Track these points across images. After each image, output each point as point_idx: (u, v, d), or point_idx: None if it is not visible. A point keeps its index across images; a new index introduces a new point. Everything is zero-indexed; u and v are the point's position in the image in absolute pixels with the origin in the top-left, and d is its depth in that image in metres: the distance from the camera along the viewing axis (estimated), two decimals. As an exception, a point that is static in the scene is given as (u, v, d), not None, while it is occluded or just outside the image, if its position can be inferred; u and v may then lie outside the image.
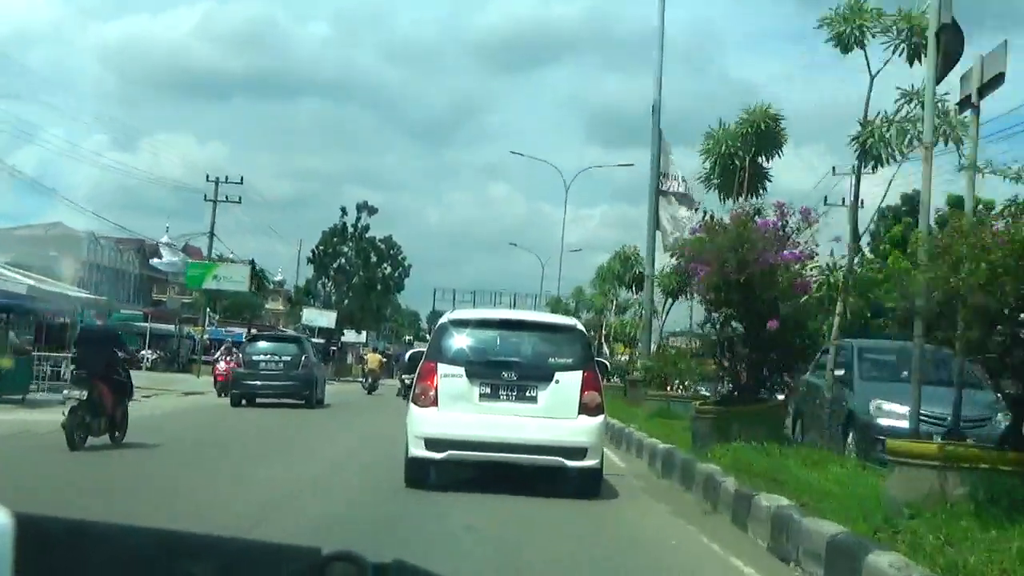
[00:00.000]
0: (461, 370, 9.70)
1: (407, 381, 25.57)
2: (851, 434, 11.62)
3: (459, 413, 9.55)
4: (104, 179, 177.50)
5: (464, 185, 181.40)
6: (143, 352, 45.32)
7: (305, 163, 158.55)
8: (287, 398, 23.85)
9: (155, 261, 74.09)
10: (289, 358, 24.24)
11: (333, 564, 0.96)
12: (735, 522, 8.19)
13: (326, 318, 60.57)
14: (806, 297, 11.34)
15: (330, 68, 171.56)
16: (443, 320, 10.64)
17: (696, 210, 15.54)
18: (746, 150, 14.05)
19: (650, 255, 22.71)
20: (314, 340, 40.96)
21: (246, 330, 45.49)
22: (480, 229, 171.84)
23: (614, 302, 36.19)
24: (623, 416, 18.73)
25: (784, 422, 12.59)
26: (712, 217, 14.20)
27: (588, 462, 9.55)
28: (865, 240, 32.60)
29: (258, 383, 23.81)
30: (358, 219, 65.20)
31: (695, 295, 14.38)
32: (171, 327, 55.76)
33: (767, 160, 14.47)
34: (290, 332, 41.77)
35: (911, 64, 9.55)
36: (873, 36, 9.75)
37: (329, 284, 65.39)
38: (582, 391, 9.64)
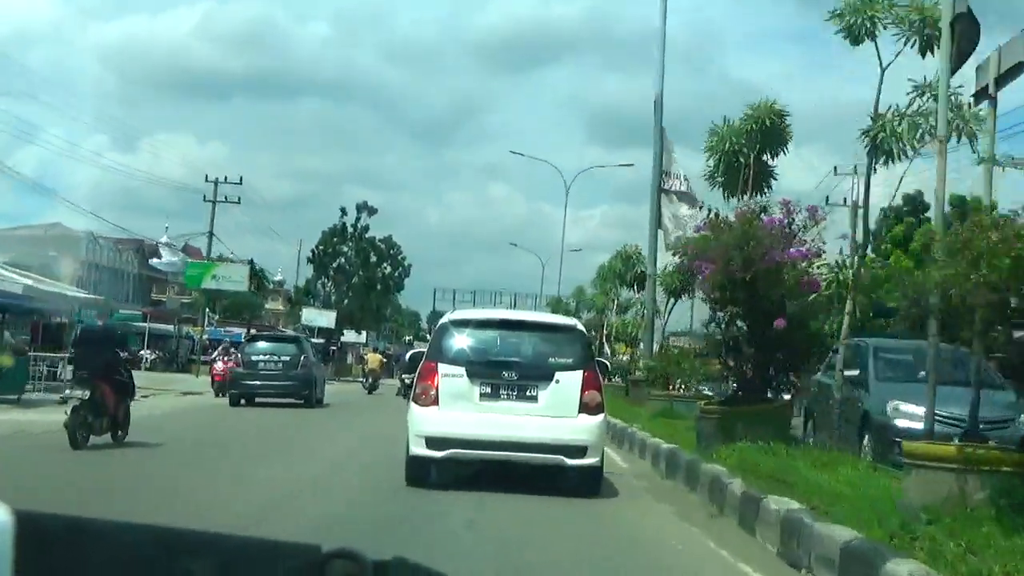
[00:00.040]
0: (462, 370, 9.72)
1: (407, 380, 25.49)
2: (867, 436, 11.33)
3: (460, 412, 9.58)
4: (104, 179, 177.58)
5: (464, 185, 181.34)
6: (142, 352, 45.12)
7: (305, 163, 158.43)
8: (286, 398, 23.78)
9: (154, 261, 73.84)
10: (288, 358, 24.21)
11: (333, 561, 0.96)
12: (742, 525, 7.98)
13: (326, 318, 60.39)
14: (815, 295, 11.13)
15: (330, 68, 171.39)
16: (444, 320, 10.67)
17: (701, 207, 15.30)
18: (751, 147, 13.82)
19: (652, 253, 22.51)
20: (314, 340, 40.82)
21: (245, 330, 45.35)
22: (480, 229, 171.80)
23: (615, 302, 35.97)
24: (626, 416, 18.55)
25: (790, 422, 12.34)
26: (717, 215, 13.98)
27: (588, 461, 9.59)
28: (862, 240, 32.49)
29: (257, 383, 23.76)
30: (358, 219, 64.99)
31: (699, 293, 14.15)
32: (170, 327, 55.54)
33: (772, 157, 14.23)
34: (289, 332, 41.63)
35: (923, 56, 9.33)
36: (884, 27, 9.53)
37: (329, 284, 65.16)
38: (582, 390, 9.67)
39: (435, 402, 9.64)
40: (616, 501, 9.72)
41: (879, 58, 9.71)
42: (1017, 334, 6.45)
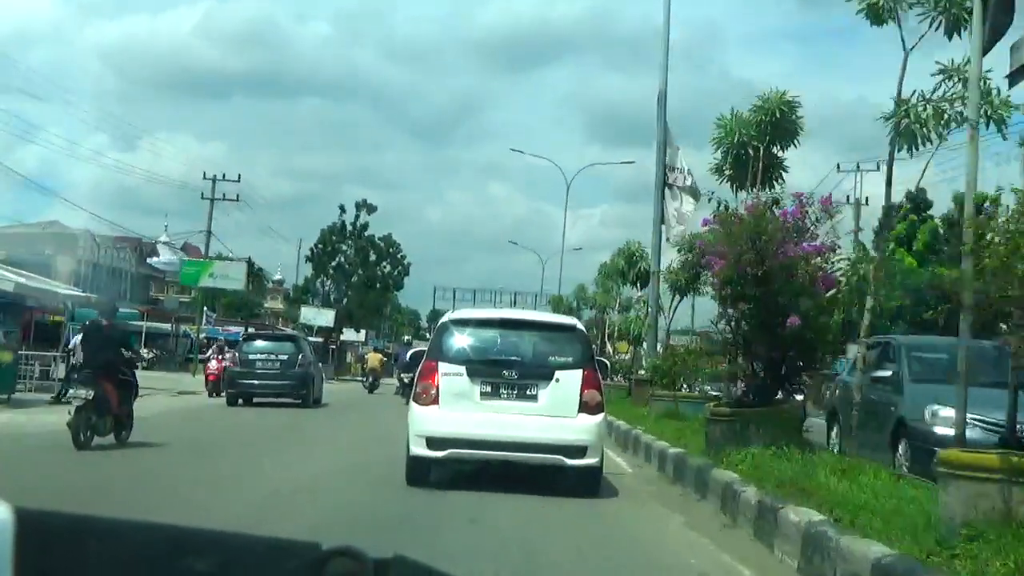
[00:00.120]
0: (462, 369, 9.76)
1: (405, 380, 25.21)
2: (901, 444, 10.65)
3: (460, 412, 9.63)
4: (104, 178, 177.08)
5: (464, 184, 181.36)
6: (141, 351, 44.72)
7: (305, 162, 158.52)
8: (284, 397, 23.63)
9: (153, 260, 73.61)
10: (286, 357, 24.11)
11: (333, 559, 0.95)
12: (758, 537, 7.49)
13: (325, 317, 59.95)
14: (833, 292, 10.61)
15: (330, 67, 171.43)
16: (444, 319, 10.74)
17: (710, 200, 14.82)
18: (760, 139, 13.34)
19: (656, 250, 22.07)
20: (312, 339, 40.44)
21: (243, 329, 44.91)
22: (480, 228, 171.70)
23: (618, 300, 35.53)
24: (629, 417, 18.12)
25: (804, 424, 11.76)
26: (727, 207, 13.48)
27: (588, 460, 9.64)
28: (868, 237, 32.00)
29: (255, 382, 23.67)
30: (357, 217, 64.41)
31: (710, 289, 13.66)
32: (168, 326, 55.10)
33: (782, 150, 13.74)
34: (288, 331, 41.26)
35: (950, 38, 8.83)
36: (909, 7, 9.02)
37: (328, 282, 64.60)
38: (582, 390, 9.73)
39: (435, 401, 9.68)
40: (622, 508, 9.45)
41: (902, 39, 9.20)
42: None
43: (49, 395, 21.75)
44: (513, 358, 9.94)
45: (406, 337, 76.26)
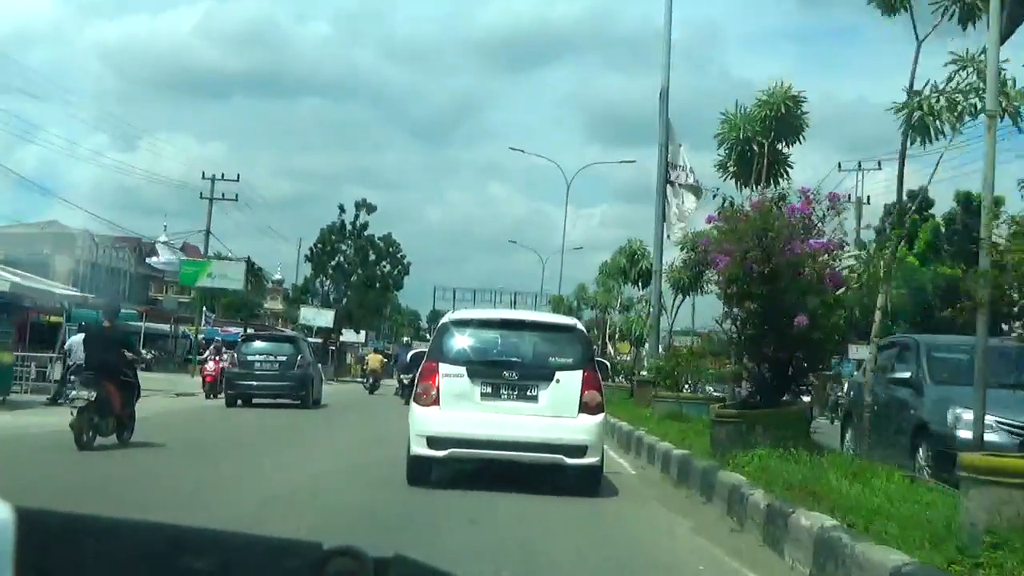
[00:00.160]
0: (463, 369, 9.78)
1: (405, 381, 25.03)
2: (921, 449, 10.26)
3: (461, 412, 9.66)
4: (104, 178, 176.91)
5: (464, 184, 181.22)
6: (141, 351, 44.49)
7: (305, 162, 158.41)
8: (283, 399, 23.48)
9: (152, 260, 73.35)
10: (285, 358, 23.97)
11: (334, 558, 0.95)
12: (767, 543, 7.24)
13: (324, 317, 59.74)
14: (843, 290, 10.37)
15: (330, 67, 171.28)
16: (444, 320, 10.76)
17: (714, 196, 14.61)
18: (764, 134, 13.12)
19: (658, 248, 21.84)
20: (312, 339, 40.22)
21: (242, 329, 44.69)
22: (480, 228, 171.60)
23: (619, 299, 35.31)
24: (632, 418, 17.89)
25: (811, 425, 11.48)
26: (732, 204, 13.25)
27: (588, 460, 9.67)
28: (870, 236, 31.72)
29: (253, 383, 23.54)
30: (356, 217, 64.17)
31: (714, 288, 13.42)
32: (167, 326, 54.87)
33: (787, 146, 13.52)
34: (286, 331, 41.06)
35: (964, 28, 8.60)
36: (922, -5, 8.80)
37: (327, 282, 64.37)
38: (582, 390, 9.76)
39: (436, 402, 9.71)
40: (623, 508, 9.34)
41: (915, 29, 8.96)
42: None
43: (45, 397, 21.57)
44: (513, 359, 9.97)
45: (405, 338, 76.04)
